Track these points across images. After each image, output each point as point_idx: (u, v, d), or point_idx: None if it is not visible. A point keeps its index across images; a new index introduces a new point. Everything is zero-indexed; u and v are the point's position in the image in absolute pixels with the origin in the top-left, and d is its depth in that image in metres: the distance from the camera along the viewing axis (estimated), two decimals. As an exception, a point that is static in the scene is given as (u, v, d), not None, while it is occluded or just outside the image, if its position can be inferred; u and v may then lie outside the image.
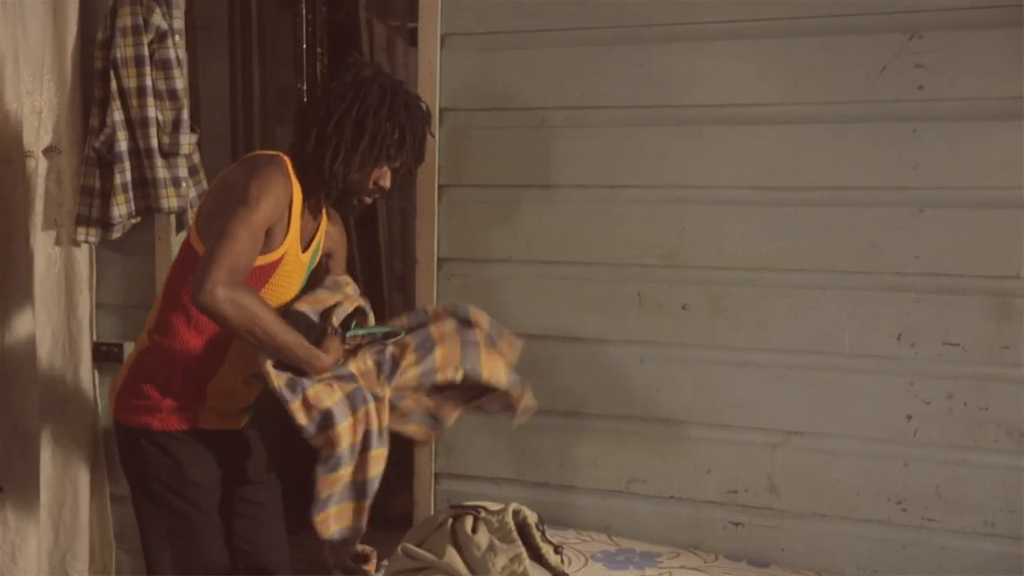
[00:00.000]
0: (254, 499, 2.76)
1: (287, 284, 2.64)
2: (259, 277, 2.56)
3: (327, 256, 2.86)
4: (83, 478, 3.59)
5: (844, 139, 2.80)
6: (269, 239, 2.52)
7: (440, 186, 3.20)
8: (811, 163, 2.83)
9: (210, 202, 2.57)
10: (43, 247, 3.47)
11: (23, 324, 3.37)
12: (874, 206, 2.79)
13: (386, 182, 2.62)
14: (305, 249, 2.67)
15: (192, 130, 3.49)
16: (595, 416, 3.09)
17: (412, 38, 4.85)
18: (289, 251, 2.59)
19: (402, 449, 4.25)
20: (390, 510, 4.20)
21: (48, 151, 3.47)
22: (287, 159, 2.58)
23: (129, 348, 3.63)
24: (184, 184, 3.49)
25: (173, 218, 3.55)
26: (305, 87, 4.65)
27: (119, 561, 3.72)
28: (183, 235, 3.59)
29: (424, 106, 2.66)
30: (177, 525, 2.63)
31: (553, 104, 3.06)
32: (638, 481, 3.06)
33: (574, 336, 3.09)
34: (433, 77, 3.17)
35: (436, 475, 3.23)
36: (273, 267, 2.58)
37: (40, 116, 3.43)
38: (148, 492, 2.65)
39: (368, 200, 2.66)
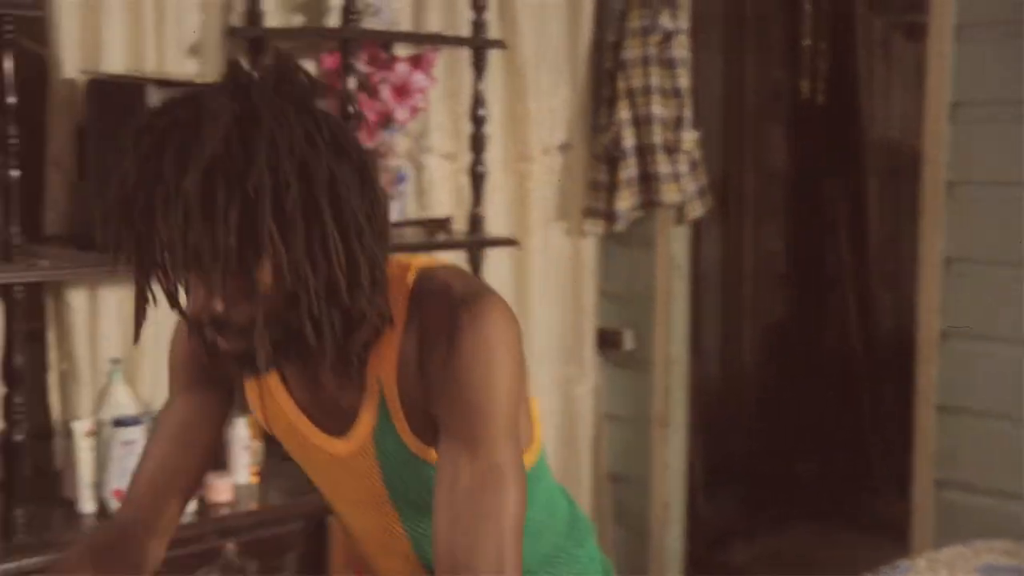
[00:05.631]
0: None
1: (346, 505, 1.55)
2: None
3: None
4: (584, 457, 3.80)
5: None
6: None
7: (948, 183, 3.09)
8: None
9: None
10: (555, 237, 3.72)
11: (535, 308, 3.63)
12: None
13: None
14: (340, 432, 1.44)
15: (693, 127, 3.60)
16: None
17: (909, 32, 4.72)
18: (284, 440, 1.53)
19: (895, 450, 4.16)
20: (882, 517, 4.12)
21: (561, 148, 3.71)
22: None
23: (628, 336, 3.81)
24: (683, 179, 3.61)
25: (673, 211, 3.69)
26: (807, 84, 4.65)
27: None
28: (682, 228, 3.73)
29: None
30: None
31: (1080, 95, 2.88)
32: None
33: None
34: (944, 71, 3.08)
35: (936, 483, 3.12)
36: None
37: (554, 115, 3.68)
38: None
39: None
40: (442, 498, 1.29)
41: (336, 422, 1.43)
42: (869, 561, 3.41)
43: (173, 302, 1.32)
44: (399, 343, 1.36)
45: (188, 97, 1.26)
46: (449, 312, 1.32)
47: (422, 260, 1.40)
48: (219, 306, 1.26)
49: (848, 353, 4.57)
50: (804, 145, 4.84)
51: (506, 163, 3.56)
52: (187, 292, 1.30)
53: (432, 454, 1.37)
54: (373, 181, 1.31)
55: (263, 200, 1.21)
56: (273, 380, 1.47)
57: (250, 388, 1.51)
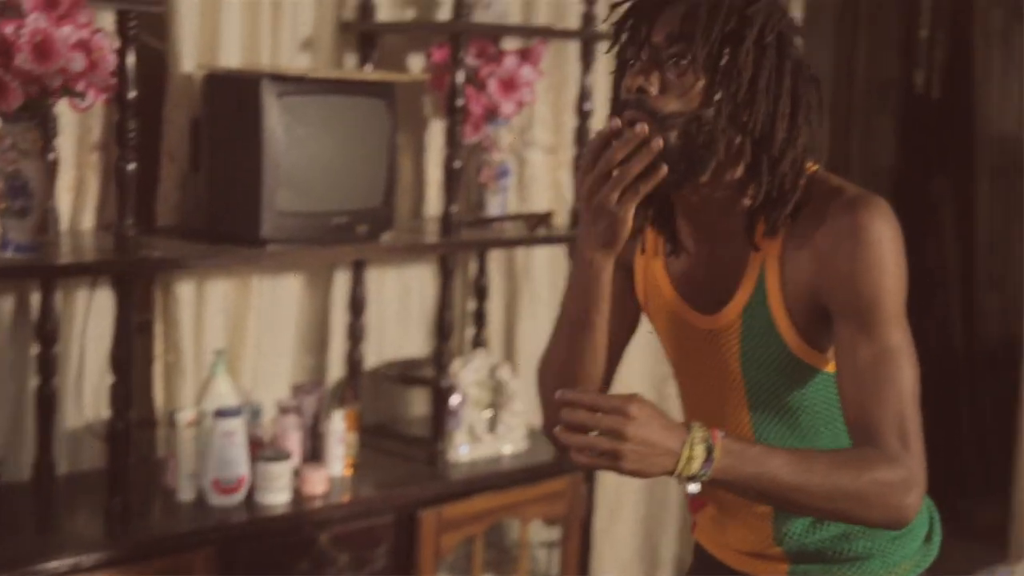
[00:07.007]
0: None
1: (698, 385, 1.66)
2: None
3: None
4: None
5: None
6: None
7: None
8: None
9: None
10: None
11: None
12: None
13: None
14: (710, 311, 1.58)
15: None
16: None
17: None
18: (655, 318, 1.68)
19: (994, 456, 4.08)
20: (979, 523, 4.05)
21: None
22: None
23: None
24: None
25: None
26: (922, 76, 4.51)
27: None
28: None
29: None
30: None
31: None
32: None
33: None
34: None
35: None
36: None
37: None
38: None
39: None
40: (846, 370, 1.47)
41: (708, 302, 1.57)
42: (966, 564, 3.37)
43: (618, 80, 1.52)
44: (787, 228, 1.49)
45: None
46: (852, 208, 1.45)
47: (812, 165, 1.53)
48: (655, 86, 1.45)
49: (949, 356, 4.48)
50: (913, 140, 4.72)
51: (609, 157, 3.53)
52: (630, 71, 1.47)
53: (792, 335, 1.52)
54: (812, 101, 1.49)
55: (755, 24, 1.44)
56: (657, 263, 1.62)
57: (638, 268, 1.65)
